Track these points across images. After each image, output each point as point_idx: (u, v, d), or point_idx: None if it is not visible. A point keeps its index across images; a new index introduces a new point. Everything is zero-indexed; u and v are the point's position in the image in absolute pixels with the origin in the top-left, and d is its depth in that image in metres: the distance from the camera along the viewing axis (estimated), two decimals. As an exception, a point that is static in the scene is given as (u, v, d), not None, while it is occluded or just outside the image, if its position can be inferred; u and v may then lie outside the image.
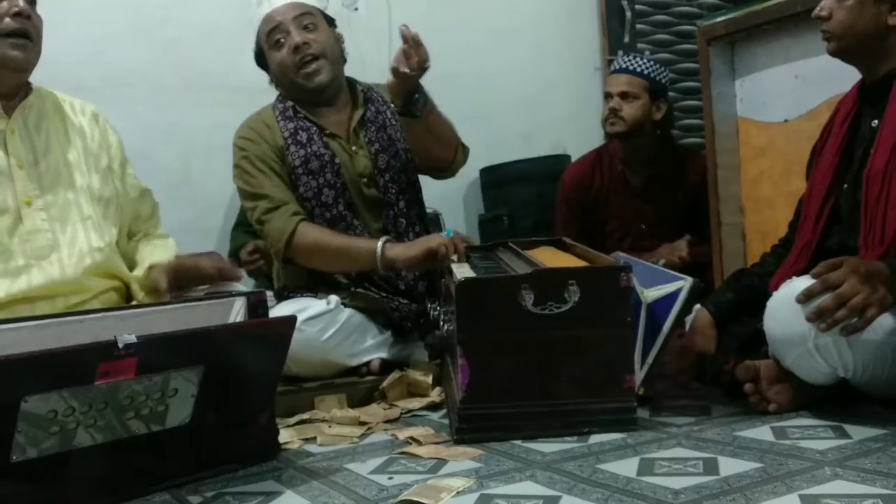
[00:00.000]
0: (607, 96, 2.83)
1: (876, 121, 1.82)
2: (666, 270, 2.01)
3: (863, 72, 1.87)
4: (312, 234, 2.23)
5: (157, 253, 1.99)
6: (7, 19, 1.75)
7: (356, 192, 2.33)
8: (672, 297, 1.81)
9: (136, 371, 1.36)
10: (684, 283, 1.80)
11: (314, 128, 2.34)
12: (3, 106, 1.82)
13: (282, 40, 2.31)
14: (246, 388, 1.57)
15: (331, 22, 2.42)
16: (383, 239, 2.18)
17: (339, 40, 2.42)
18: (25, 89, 1.88)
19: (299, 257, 2.25)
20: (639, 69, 2.79)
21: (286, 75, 2.33)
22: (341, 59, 2.41)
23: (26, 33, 1.78)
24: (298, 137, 2.32)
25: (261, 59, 2.42)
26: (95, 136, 1.97)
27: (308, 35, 2.31)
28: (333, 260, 2.25)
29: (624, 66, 2.83)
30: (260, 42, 2.39)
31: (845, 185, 1.87)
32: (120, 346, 1.33)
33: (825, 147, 1.95)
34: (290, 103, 2.37)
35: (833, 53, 1.86)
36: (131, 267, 1.97)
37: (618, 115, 2.77)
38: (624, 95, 2.77)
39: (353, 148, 2.35)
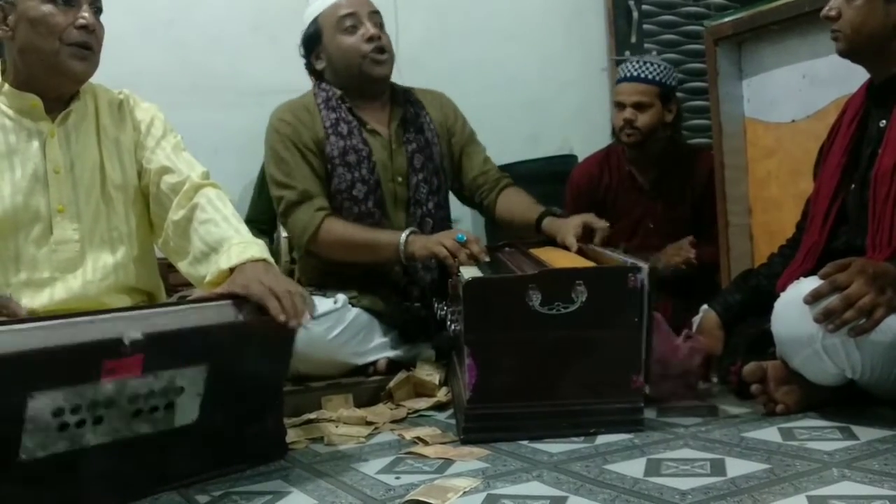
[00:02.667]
0: (620, 106, 2.81)
1: (884, 121, 1.82)
2: (625, 258, 1.94)
3: (871, 72, 1.87)
4: (337, 230, 2.27)
5: (245, 250, 1.65)
6: (73, 30, 1.72)
7: (388, 189, 2.37)
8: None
9: (143, 369, 1.37)
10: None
11: (355, 121, 2.37)
12: (49, 108, 1.78)
13: (355, 27, 2.36)
14: (253, 386, 1.57)
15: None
16: (407, 231, 2.21)
17: None
18: (74, 93, 1.83)
19: (323, 251, 2.30)
20: (650, 76, 2.77)
21: (350, 60, 2.36)
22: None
23: (89, 45, 1.76)
24: (339, 129, 2.35)
25: (310, 43, 2.44)
26: (126, 129, 1.89)
27: (380, 31, 2.39)
28: (357, 254, 2.28)
29: (635, 73, 2.80)
30: (319, 25, 2.41)
31: (853, 186, 1.86)
32: (126, 342, 1.33)
33: (833, 147, 1.94)
34: (334, 91, 2.39)
35: (842, 53, 1.85)
36: (184, 251, 1.78)
37: (633, 125, 2.76)
38: (637, 105, 2.76)
39: (393, 146, 2.39)
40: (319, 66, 2.44)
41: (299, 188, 2.30)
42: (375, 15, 2.41)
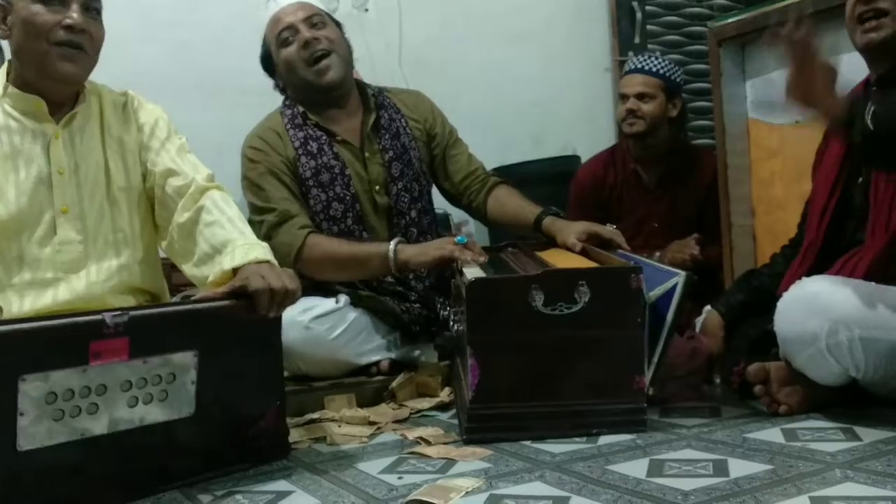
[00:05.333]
0: (623, 97, 2.85)
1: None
2: (659, 265, 1.98)
3: (879, 68, 1.85)
4: (321, 246, 2.20)
5: (250, 251, 1.67)
6: (59, 30, 1.71)
7: (368, 200, 2.31)
8: (669, 293, 1.79)
9: (129, 352, 1.39)
10: (679, 278, 1.78)
11: (325, 136, 2.32)
12: (53, 109, 1.77)
13: (291, 38, 2.30)
14: (247, 379, 1.58)
15: (338, 25, 2.41)
16: (395, 241, 2.16)
17: (348, 42, 2.40)
18: (78, 95, 1.82)
19: (310, 270, 2.20)
20: (654, 69, 2.81)
21: (295, 73, 2.31)
22: (351, 59, 2.39)
23: (78, 45, 1.73)
24: (309, 147, 2.29)
25: (268, 64, 2.40)
26: (131, 130, 1.87)
27: (317, 31, 2.30)
28: (345, 269, 2.22)
29: (639, 66, 2.85)
30: (267, 44, 2.37)
31: (860, 179, 1.86)
32: (109, 323, 1.37)
33: (829, 145, 1.94)
34: (298, 109, 2.34)
35: (880, 44, 1.78)
36: (189, 253, 1.79)
37: (636, 115, 2.79)
38: (641, 96, 2.79)
39: (367, 154, 2.33)
40: (281, 83, 2.40)
41: (279, 209, 2.23)
42: (312, 17, 2.32)
